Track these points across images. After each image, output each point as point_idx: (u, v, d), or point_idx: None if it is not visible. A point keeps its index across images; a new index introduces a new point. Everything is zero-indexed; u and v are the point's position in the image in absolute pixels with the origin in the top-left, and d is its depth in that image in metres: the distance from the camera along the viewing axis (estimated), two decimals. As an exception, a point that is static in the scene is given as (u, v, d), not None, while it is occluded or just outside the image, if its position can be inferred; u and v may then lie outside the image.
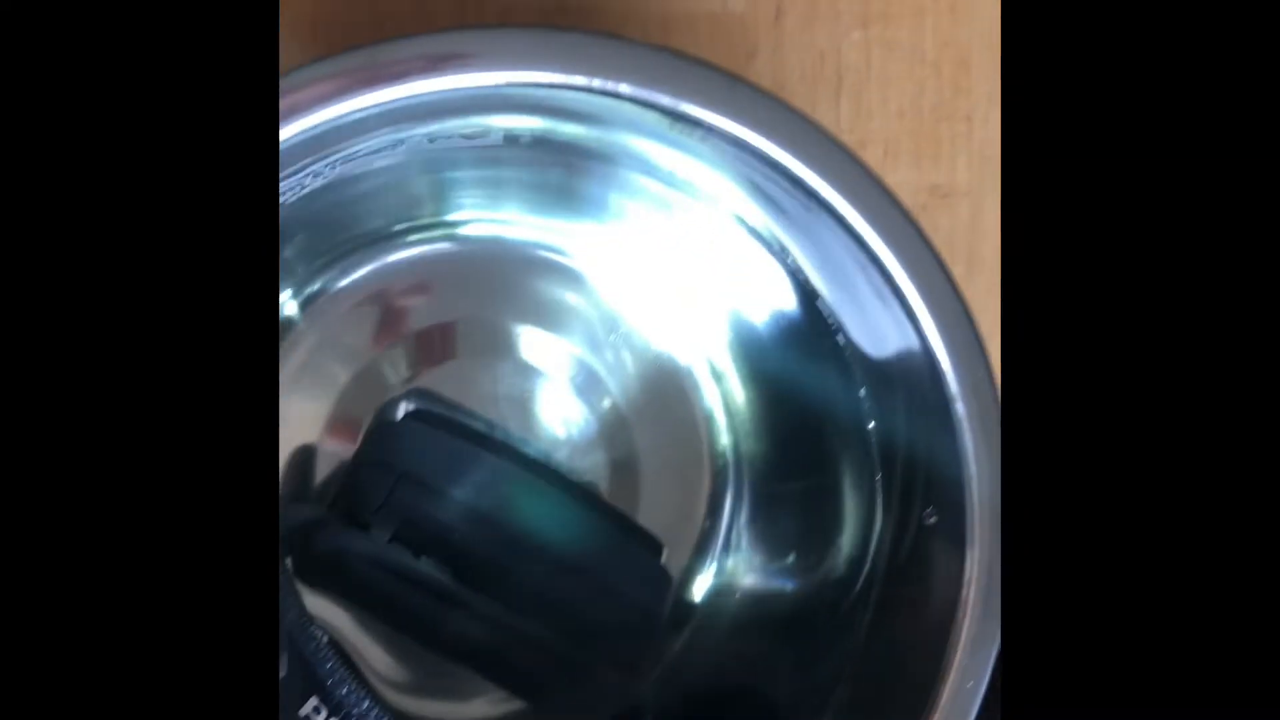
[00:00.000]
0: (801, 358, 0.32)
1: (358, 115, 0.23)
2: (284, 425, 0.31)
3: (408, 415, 0.30)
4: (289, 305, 0.31)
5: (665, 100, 0.24)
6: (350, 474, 0.30)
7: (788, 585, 0.33)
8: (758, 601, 0.34)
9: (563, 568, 0.29)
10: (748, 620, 0.33)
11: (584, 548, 0.30)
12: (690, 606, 0.34)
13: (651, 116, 0.25)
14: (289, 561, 0.27)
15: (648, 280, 0.34)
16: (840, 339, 0.28)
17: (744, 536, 0.34)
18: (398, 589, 0.28)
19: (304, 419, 0.32)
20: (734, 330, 0.33)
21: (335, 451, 0.31)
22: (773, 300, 0.31)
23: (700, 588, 0.34)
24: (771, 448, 0.34)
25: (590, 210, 0.32)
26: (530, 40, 0.24)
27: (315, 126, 0.23)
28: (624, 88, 0.24)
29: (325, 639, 0.26)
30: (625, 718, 0.30)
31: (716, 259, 0.32)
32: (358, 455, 0.30)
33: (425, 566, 0.28)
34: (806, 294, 0.29)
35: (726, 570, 0.34)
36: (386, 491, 0.28)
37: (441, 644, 0.29)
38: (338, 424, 0.32)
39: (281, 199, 0.26)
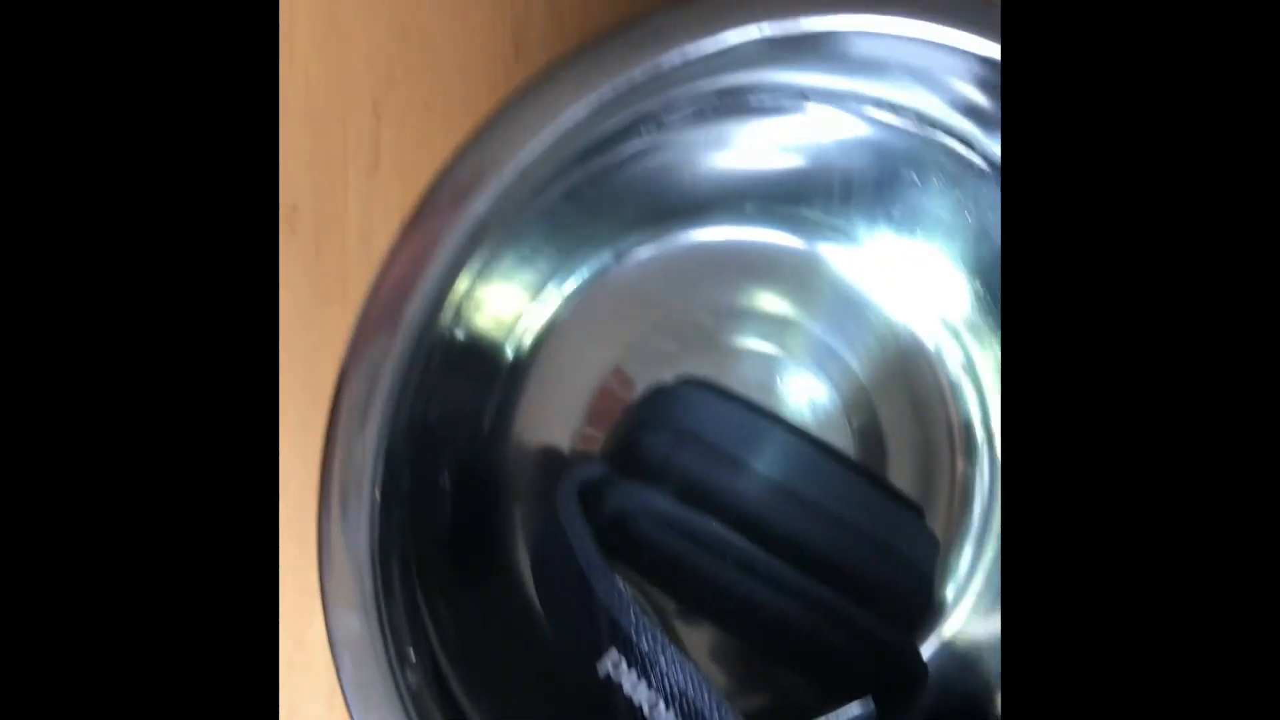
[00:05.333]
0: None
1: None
2: (559, 393, 0.32)
3: (680, 381, 0.30)
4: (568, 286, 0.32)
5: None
6: (629, 434, 0.29)
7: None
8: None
9: (844, 529, 0.28)
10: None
11: (860, 510, 0.29)
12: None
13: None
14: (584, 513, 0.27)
15: (885, 256, 0.33)
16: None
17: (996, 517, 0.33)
18: (683, 548, 0.27)
19: (577, 389, 0.32)
20: (978, 298, 0.33)
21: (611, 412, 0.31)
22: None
23: (958, 569, 0.33)
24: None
25: (828, 193, 0.32)
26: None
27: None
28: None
29: (626, 587, 0.26)
30: (898, 689, 0.29)
31: (957, 223, 0.32)
32: (635, 417, 0.30)
33: (710, 525, 0.28)
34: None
35: (983, 551, 0.33)
36: (667, 450, 0.28)
37: (724, 609, 0.29)
38: (618, 388, 0.32)
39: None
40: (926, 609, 0.30)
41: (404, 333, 0.23)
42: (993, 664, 0.32)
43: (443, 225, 0.24)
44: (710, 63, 0.23)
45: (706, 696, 0.25)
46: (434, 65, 0.34)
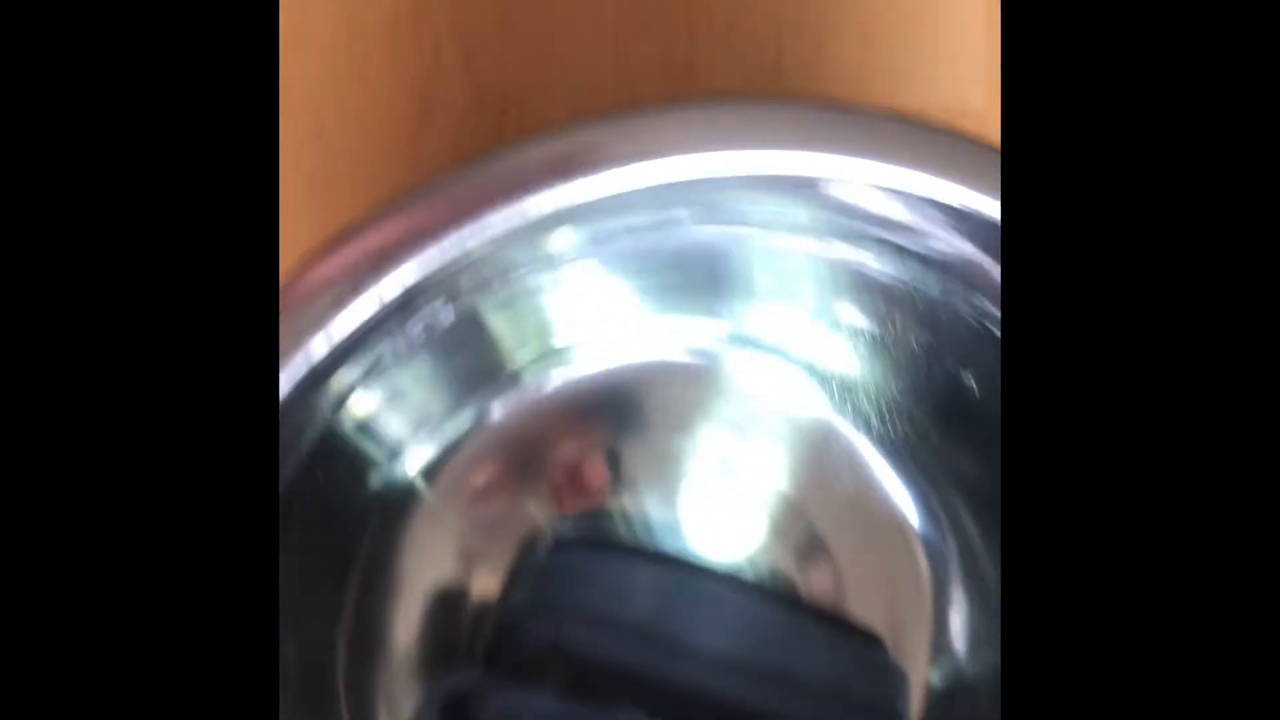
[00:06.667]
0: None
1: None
2: (420, 581, 0.28)
3: (555, 548, 0.27)
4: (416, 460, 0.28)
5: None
6: (505, 625, 0.26)
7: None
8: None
9: (786, 686, 0.25)
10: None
11: (803, 658, 0.25)
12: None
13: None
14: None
15: (793, 360, 0.29)
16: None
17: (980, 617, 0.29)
18: None
19: (441, 572, 0.28)
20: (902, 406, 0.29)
21: (480, 603, 0.27)
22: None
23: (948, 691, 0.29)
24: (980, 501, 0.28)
25: (722, 301, 0.28)
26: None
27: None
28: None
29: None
30: None
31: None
32: (508, 603, 0.26)
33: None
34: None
35: (967, 661, 0.29)
36: (551, 636, 0.24)
37: None
38: (479, 574, 0.28)
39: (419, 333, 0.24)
40: None
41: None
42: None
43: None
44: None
45: None
46: (320, 132, 0.29)
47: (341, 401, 0.23)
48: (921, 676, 0.28)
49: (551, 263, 0.23)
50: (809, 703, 0.25)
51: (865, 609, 0.28)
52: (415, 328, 0.22)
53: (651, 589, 0.25)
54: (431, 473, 0.28)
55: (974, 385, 0.27)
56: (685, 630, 0.25)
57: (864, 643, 0.26)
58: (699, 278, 0.27)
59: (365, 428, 0.26)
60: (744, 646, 0.25)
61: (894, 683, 0.26)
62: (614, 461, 0.28)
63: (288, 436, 0.21)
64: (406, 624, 0.28)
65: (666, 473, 0.29)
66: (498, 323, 0.27)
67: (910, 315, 0.26)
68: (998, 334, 0.24)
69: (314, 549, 0.26)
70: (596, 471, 0.28)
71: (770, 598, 0.27)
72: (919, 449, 0.29)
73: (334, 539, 0.27)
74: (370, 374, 0.23)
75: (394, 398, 0.26)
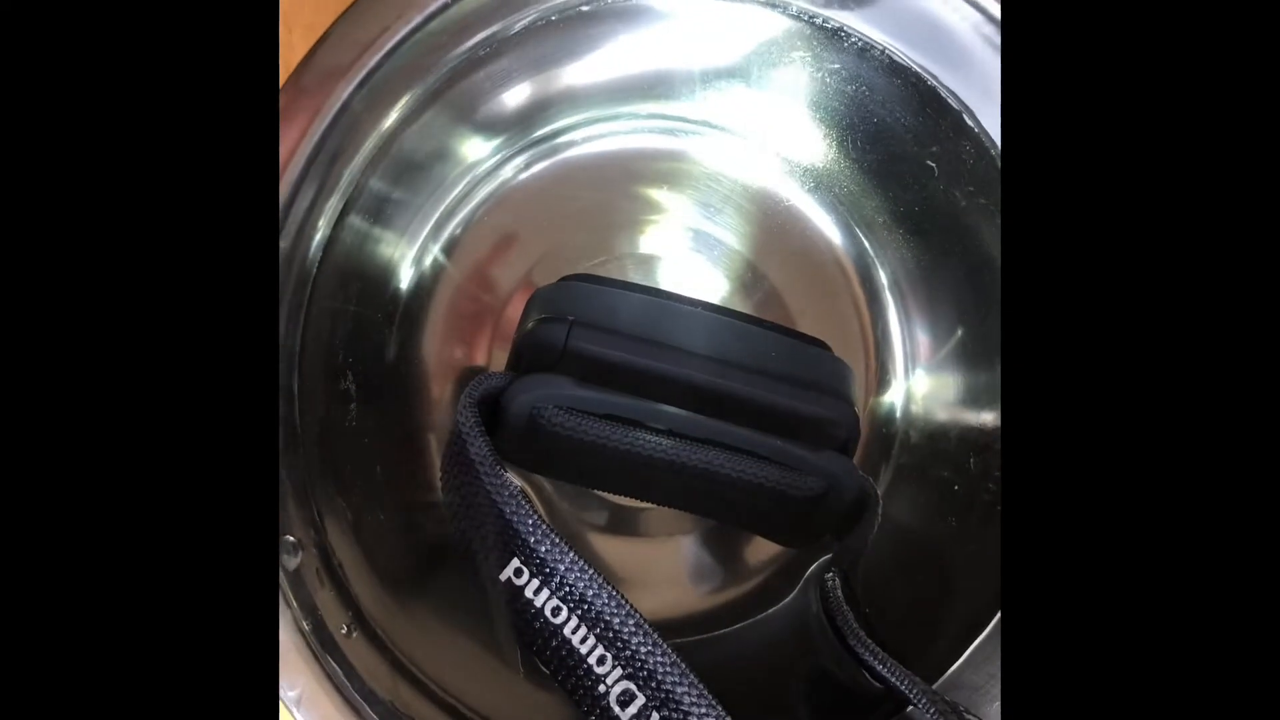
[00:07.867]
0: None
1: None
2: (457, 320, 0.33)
3: (558, 283, 0.30)
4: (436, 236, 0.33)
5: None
6: (520, 340, 0.29)
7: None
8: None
9: (755, 374, 0.28)
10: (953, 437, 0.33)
11: (765, 355, 0.29)
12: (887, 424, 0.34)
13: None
14: (478, 430, 0.26)
15: (745, 136, 0.34)
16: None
17: (917, 341, 0.34)
18: (599, 428, 0.27)
19: (478, 310, 0.33)
20: (844, 152, 0.34)
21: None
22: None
23: (891, 403, 0.34)
24: (910, 244, 0.34)
25: (677, 88, 0.33)
26: None
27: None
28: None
29: (523, 496, 0.25)
30: (852, 512, 0.29)
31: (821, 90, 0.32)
32: (522, 324, 0.30)
33: (619, 397, 0.27)
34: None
35: (912, 379, 0.34)
36: (563, 340, 0.28)
37: (659, 481, 0.28)
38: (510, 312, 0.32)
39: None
40: (856, 430, 0.30)
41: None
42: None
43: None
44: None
45: (608, 599, 0.25)
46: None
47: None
48: (861, 377, 0.34)
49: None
50: (775, 384, 0.28)
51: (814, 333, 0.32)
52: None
53: (640, 308, 0.29)
54: (449, 248, 0.33)
55: (895, 121, 0.30)
56: (669, 337, 0.28)
57: (815, 346, 0.31)
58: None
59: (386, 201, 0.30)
60: (717, 348, 0.29)
61: (843, 373, 0.30)
62: (598, 237, 0.33)
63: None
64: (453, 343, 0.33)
65: (645, 244, 0.34)
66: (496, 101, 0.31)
67: (838, 65, 0.30)
68: (913, 71, 0.29)
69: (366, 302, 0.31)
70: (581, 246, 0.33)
71: (736, 315, 0.31)
72: (858, 198, 0.34)
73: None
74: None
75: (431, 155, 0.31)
